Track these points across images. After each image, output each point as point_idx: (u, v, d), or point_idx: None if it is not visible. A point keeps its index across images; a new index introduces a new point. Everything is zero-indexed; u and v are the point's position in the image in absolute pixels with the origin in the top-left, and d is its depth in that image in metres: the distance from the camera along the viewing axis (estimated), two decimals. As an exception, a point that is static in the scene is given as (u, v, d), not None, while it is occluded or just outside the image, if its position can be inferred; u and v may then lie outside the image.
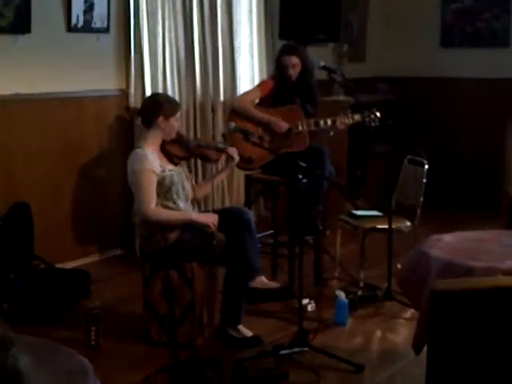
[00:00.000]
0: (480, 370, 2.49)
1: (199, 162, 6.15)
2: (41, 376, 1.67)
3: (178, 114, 4.38)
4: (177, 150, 4.42)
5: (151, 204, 4.14)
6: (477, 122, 7.96)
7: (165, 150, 4.36)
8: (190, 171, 4.54)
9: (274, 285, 4.78)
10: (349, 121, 5.23)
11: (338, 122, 5.18)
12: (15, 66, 5.15)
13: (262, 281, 4.72)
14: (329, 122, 5.19)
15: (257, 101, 5.33)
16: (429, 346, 2.53)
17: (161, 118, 4.27)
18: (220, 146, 4.65)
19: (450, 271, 3.30)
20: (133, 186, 4.22)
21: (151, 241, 4.20)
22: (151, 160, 4.19)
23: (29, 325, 4.29)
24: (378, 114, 5.20)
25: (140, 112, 4.49)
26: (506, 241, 3.74)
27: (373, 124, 5.20)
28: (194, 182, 4.59)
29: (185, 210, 4.29)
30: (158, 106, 4.32)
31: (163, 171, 4.23)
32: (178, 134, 4.46)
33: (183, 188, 4.32)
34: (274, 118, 5.19)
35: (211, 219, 4.21)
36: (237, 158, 4.53)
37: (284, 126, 5.18)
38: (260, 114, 5.22)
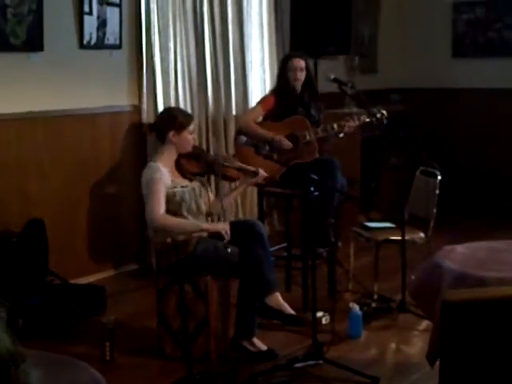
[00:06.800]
0: (493, 382, 2.48)
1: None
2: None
3: (192, 127, 4.35)
4: (191, 166, 4.39)
5: (159, 210, 4.12)
6: (489, 132, 7.94)
7: (179, 164, 4.35)
8: (203, 185, 4.49)
9: (287, 309, 4.70)
10: (355, 123, 5.23)
11: (345, 126, 5.17)
12: (28, 83, 5.19)
13: (277, 301, 4.66)
14: (335, 126, 5.19)
15: (260, 118, 5.34)
16: (441, 357, 2.53)
17: (172, 133, 4.28)
18: (251, 168, 4.55)
19: (463, 282, 3.29)
20: (144, 195, 4.24)
21: (166, 255, 4.21)
22: (163, 172, 4.22)
23: (43, 340, 4.31)
24: (385, 112, 5.21)
25: (153, 127, 4.51)
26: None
27: (384, 121, 5.18)
28: (210, 196, 4.52)
29: (195, 221, 4.29)
30: (168, 121, 4.33)
31: (175, 187, 4.24)
32: (195, 148, 4.45)
33: (197, 204, 4.32)
34: (277, 136, 5.17)
35: (222, 227, 4.22)
36: (261, 180, 4.57)
37: (287, 143, 5.18)
38: (264, 133, 5.19)
